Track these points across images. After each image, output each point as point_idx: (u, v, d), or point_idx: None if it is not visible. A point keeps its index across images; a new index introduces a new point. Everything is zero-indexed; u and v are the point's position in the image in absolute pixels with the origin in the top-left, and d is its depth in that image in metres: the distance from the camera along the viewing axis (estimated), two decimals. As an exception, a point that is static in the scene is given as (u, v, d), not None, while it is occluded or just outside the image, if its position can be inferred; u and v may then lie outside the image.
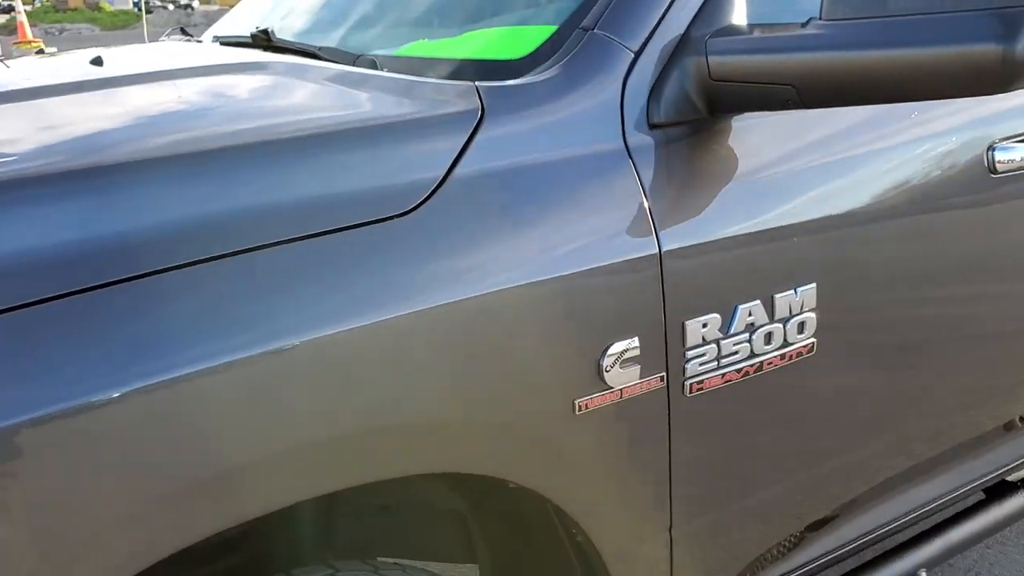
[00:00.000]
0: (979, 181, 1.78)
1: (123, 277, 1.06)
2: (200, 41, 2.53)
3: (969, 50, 1.23)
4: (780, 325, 1.54)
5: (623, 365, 1.38)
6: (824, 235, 1.58)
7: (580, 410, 1.35)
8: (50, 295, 1.03)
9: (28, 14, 19.16)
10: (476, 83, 1.43)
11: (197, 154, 1.24)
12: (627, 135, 1.43)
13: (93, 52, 2.06)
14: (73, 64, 2.13)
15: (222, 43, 2.29)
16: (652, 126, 1.46)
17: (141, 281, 1.07)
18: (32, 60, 2.51)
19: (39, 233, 1.09)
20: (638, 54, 1.47)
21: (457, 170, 1.31)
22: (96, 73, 1.80)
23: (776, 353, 1.55)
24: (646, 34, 1.48)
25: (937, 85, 1.26)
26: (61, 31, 36.60)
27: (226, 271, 1.11)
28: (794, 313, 1.55)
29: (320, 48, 1.88)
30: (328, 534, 1.55)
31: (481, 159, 1.33)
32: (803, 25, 1.39)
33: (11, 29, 22.96)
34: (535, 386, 1.33)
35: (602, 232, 1.37)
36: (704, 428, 1.52)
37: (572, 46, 1.49)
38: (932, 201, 1.72)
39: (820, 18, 1.37)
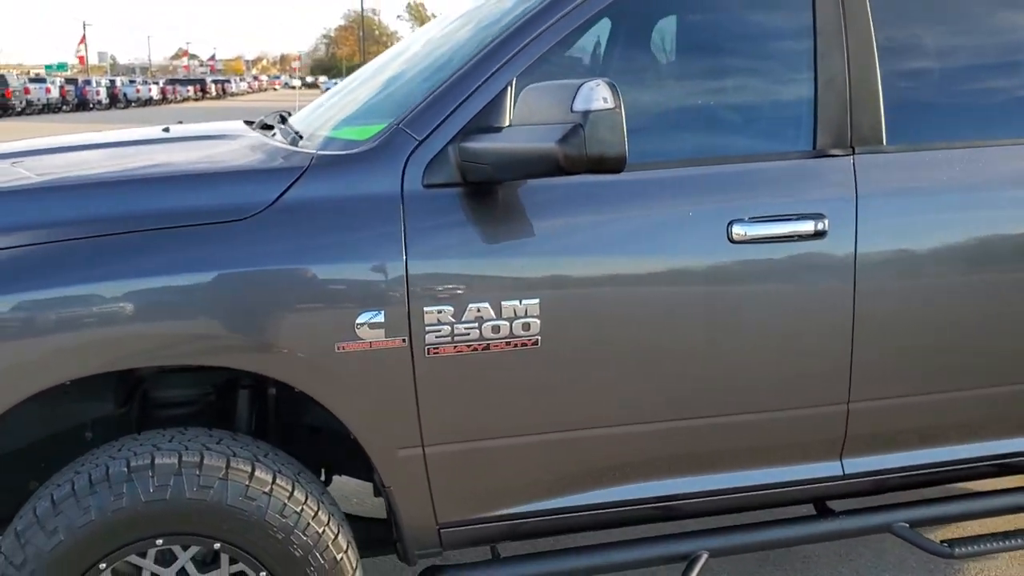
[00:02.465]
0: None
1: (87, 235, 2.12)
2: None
3: (546, 147, 2.03)
4: (507, 322, 2.34)
5: (371, 328, 2.25)
6: (545, 261, 2.36)
7: (339, 350, 2.25)
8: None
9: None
10: (316, 151, 2.39)
11: (141, 179, 2.30)
12: (404, 188, 2.32)
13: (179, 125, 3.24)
14: (152, 129, 3.30)
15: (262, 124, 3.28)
16: (425, 185, 2.33)
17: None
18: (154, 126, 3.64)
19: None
20: (421, 142, 2.35)
21: (286, 195, 2.27)
22: (151, 135, 2.96)
23: (502, 340, 2.34)
24: (428, 131, 2.36)
25: (534, 168, 2.07)
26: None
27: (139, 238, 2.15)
28: (519, 316, 2.34)
29: (297, 130, 2.88)
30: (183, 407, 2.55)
31: (300, 192, 2.28)
32: (499, 129, 2.23)
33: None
34: (313, 331, 2.24)
35: (371, 242, 2.27)
36: (443, 379, 2.34)
37: (384, 134, 2.40)
38: (626, 245, 2.43)
39: (510, 124, 2.20)
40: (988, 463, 2.87)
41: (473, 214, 2.35)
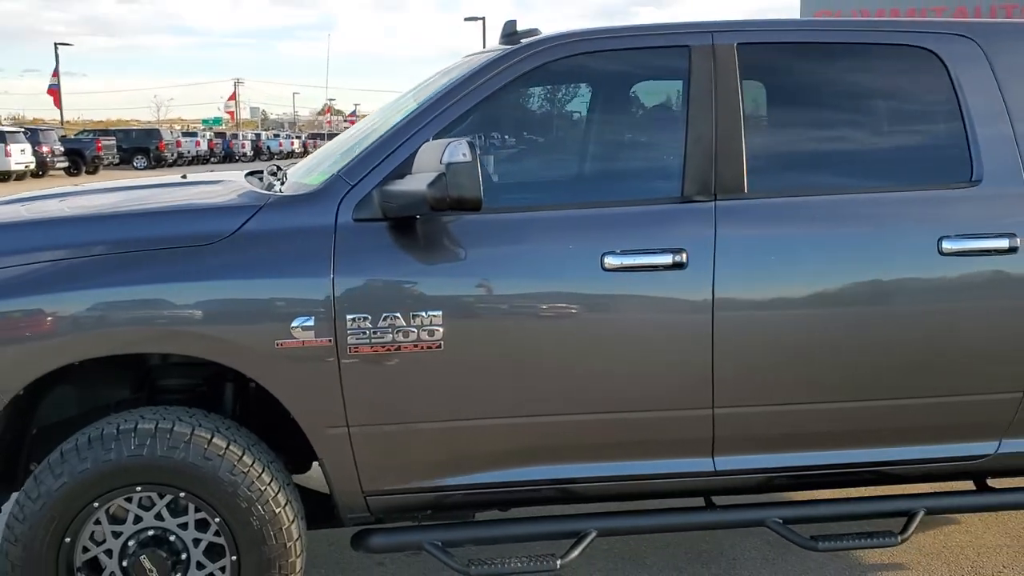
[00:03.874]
0: None
1: (85, 255, 2.87)
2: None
3: (421, 190, 2.68)
4: (415, 329, 2.96)
5: (304, 330, 2.92)
6: (449, 281, 2.98)
7: (279, 347, 2.91)
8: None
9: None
10: (274, 193, 3.09)
11: (141, 212, 3.04)
12: (337, 222, 2.98)
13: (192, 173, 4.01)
14: (173, 177, 4.07)
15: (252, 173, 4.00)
16: (354, 220, 3.00)
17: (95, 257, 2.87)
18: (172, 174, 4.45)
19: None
20: (353, 187, 3.02)
21: (244, 226, 2.97)
22: (169, 180, 3.73)
23: (411, 343, 2.96)
24: (359, 179, 3.03)
25: (415, 206, 2.72)
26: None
27: (130, 257, 2.88)
28: (425, 324, 2.97)
29: (283, 177, 3.59)
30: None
31: (256, 224, 2.98)
32: (403, 176, 2.88)
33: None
34: (259, 330, 2.92)
35: (307, 262, 2.94)
36: (362, 372, 2.97)
37: (327, 181, 3.08)
38: (516, 269, 3.02)
39: (411, 173, 2.85)
40: (852, 470, 3.31)
41: (391, 243, 3.00)
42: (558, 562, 3.16)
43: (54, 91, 45.87)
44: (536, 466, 3.18)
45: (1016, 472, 3.46)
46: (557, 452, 3.18)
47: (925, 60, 3.29)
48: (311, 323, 2.92)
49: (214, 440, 2.93)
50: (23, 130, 33.28)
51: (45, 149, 33.21)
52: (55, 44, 43.45)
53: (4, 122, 78.18)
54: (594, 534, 3.25)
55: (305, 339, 2.92)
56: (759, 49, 3.28)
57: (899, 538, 3.30)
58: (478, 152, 2.71)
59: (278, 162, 3.99)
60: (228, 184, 3.61)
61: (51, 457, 2.92)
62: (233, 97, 67.86)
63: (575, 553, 3.20)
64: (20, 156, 30.55)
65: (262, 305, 2.94)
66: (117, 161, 38.87)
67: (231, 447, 2.95)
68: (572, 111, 3.51)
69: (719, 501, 3.49)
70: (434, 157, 2.78)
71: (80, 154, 36.06)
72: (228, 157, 53.13)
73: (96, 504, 2.91)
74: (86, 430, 2.96)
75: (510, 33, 3.40)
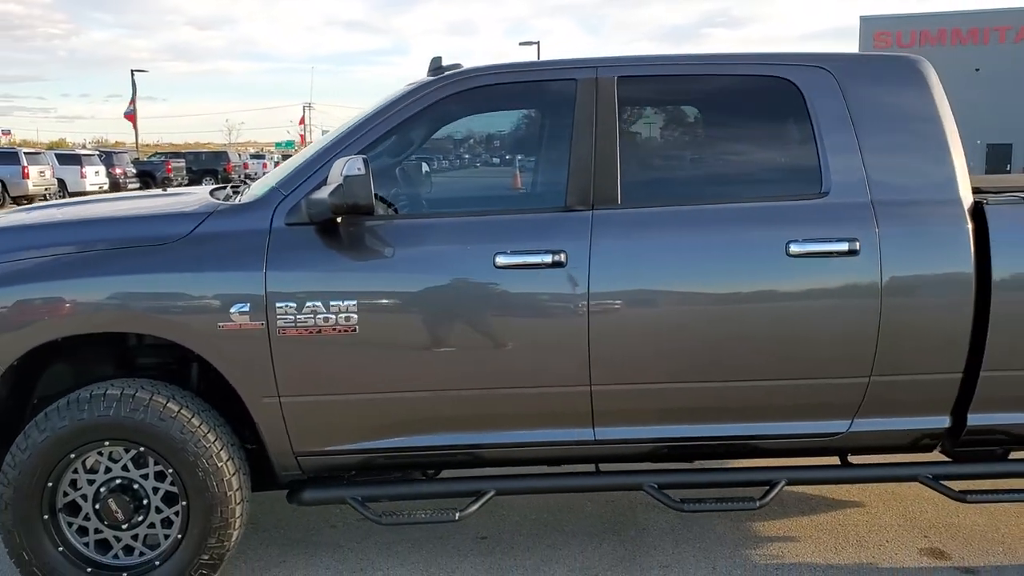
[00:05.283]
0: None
1: (65, 253, 3.54)
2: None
3: (325, 198, 3.30)
4: (334, 315, 3.57)
5: (240, 314, 3.54)
6: (363, 275, 3.58)
7: (220, 328, 3.55)
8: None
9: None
10: (224, 202, 3.74)
11: (115, 217, 3.71)
12: (272, 226, 3.61)
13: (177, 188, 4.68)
14: (158, 191, 4.76)
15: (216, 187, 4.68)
16: (286, 224, 3.62)
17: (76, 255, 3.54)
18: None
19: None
20: (286, 196, 3.65)
21: (196, 230, 3.62)
22: (153, 194, 4.39)
23: (330, 327, 3.57)
24: (292, 189, 3.66)
25: (322, 212, 3.34)
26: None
27: (105, 254, 3.55)
28: (342, 311, 3.57)
29: (245, 190, 4.23)
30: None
31: (205, 228, 3.62)
32: (320, 187, 3.50)
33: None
34: (205, 314, 3.55)
35: (244, 259, 3.56)
36: (293, 349, 3.57)
37: (267, 191, 3.72)
38: (419, 266, 3.61)
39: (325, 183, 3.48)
40: (722, 442, 3.81)
41: (316, 243, 3.61)
42: (457, 514, 3.73)
43: (131, 116, 47.75)
44: (445, 433, 3.75)
45: (869, 449, 3.93)
46: (461, 422, 3.74)
47: (785, 88, 3.81)
48: (247, 309, 3.54)
49: (168, 405, 3.56)
50: (98, 153, 34.91)
51: (118, 171, 34.80)
52: (132, 71, 45.25)
53: (88, 145, 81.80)
54: (492, 493, 3.81)
55: (242, 322, 3.55)
56: (637, 81, 3.83)
57: (757, 503, 3.80)
58: (370, 167, 3.32)
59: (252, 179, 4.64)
60: (194, 196, 4.27)
61: (38, 417, 3.58)
62: (303, 121, 69.79)
63: (474, 508, 3.76)
64: (95, 178, 32.07)
65: (208, 293, 3.57)
66: (187, 182, 40.40)
67: (183, 411, 3.58)
68: (476, 134, 4.11)
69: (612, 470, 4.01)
70: (338, 171, 3.40)
71: (151, 175, 37.67)
72: (294, 178, 54.43)
73: (73, 455, 3.56)
74: (67, 395, 3.61)
75: (436, 68, 4.01)
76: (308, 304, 3.56)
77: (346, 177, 3.32)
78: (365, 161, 3.33)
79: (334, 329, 3.57)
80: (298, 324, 3.56)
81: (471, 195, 3.95)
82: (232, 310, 3.54)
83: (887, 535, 4.39)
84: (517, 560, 4.15)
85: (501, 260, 3.61)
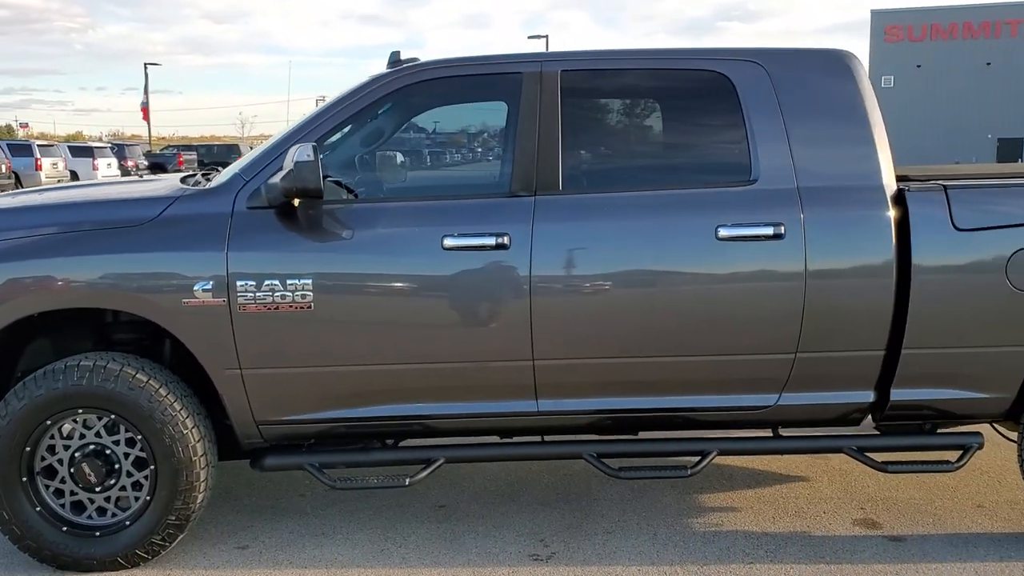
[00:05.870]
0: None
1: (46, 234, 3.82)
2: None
3: (278, 182, 3.56)
4: (290, 293, 3.83)
5: (204, 291, 3.81)
6: (316, 256, 3.84)
7: (185, 304, 3.81)
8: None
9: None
10: (191, 187, 4.00)
11: (88, 202, 3.99)
12: (234, 209, 3.88)
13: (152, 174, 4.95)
14: (135, 177, 5.06)
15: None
16: (247, 208, 3.88)
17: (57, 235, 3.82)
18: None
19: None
20: (247, 182, 3.92)
21: (163, 213, 3.88)
22: (131, 180, 4.64)
23: (287, 304, 3.83)
24: (253, 175, 3.92)
25: (277, 196, 3.61)
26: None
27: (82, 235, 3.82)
28: (298, 289, 3.83)
29: (217, 174, 4.50)
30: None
31: (172, 211, 3.89)
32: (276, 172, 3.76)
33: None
34: (171, 290, 3.82)
35: (207, 240, 3.83)
36: (252, 325, 3.83)
37: (230, 177, 3.98)
38: (371, 247, 3.87)
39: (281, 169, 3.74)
40: (659, 414, 4.05)
41: (275, 225, 3.86)
42: (407, 480, 3.99)
43: (145, 109, 48.26)
44: (397, 405, 4.00)
45: (797, 422, 4.16)
46: (413, 394, 3.99)
47: (719, 82, 4.04)
48: (209, 287, 3.80)
49: (137, 376, 3.83)
50: (110, 145, 35.35)
51: (130, 163, 35.27)
52: (144, 64, 45.76)
53: (105, 138, 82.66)
54: (441, 460, 4.07)
55: (205, 299, 3.81)
56: (579, 75, 4.07)
57: (689, 471, 4.05)
58: (319, 154, 3.58)
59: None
60: (165, 182, 4.54)
61: (17, 386, 3.86)
62: (315, 113, 70.47)
63: (423, 474, 4.02)
64: (107, 170, 32.52)
65: (173, 272, 3.83)
66: (198, 175, 40.78)
67: (151, 382, 3.84)
68: (427, 124, 4.36)
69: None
70: (290, 158, 3.65)
71: (163, 168, 38.03)
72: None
73: (49, 422, 3.83)
74: (45, 367, 3.89)
75: (394, 62, 4.26)
76: (266, 283, 3.81)
77: (296, 163, 3.58)
78: (314, 148, 3.58)
79: (291, 306, 3.82)
80: (257, 301, 3.81)
81: (422, 181, 4.21)
82: (196, 288, 3.80)
83: (825, 507, 4.62)
84: (470, 526, 4.41)
85: (448, 242, 3.85)
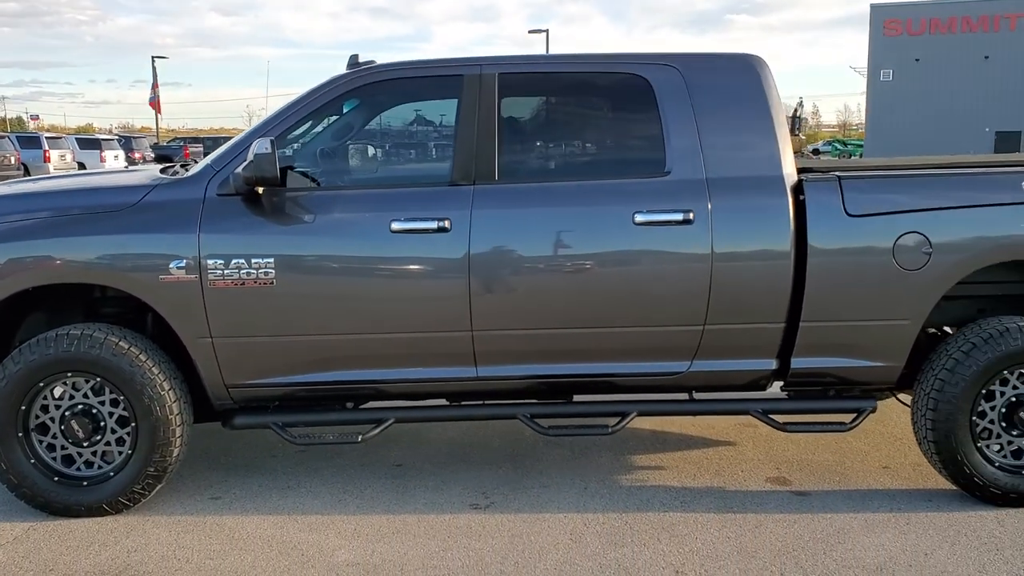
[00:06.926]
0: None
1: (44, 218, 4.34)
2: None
3: (240, 172, 4.08)
4: (255, 270, 4.33)
5: (178, 269, 4.32)
6: (278, 238, 4.34)
7: (162, 280, 4.32)
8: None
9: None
10: (169, 176, 4.52)
11: (79, 188, 4.51)
12: (205, 196, 4.38)
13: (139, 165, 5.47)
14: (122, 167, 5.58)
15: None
16: (218, 195, 4.39)
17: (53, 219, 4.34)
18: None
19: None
20: (217, 172, 4.42)
21: (143, 199, 4.40)
22: (118, 169, 5.16)
23: (252, 280, 4.33)
24: (223, 166, 4.43)
25: (241, 184, 4.13)
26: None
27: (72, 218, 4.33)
28: (262, 268, 4.33)
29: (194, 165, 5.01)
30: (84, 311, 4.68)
31: (151, 198, 4.40)
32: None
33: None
34: (149, 268, 4.33)
35: (181, 223, 4.33)
36: (221, 299, 4.33)
37: (203, 168, 4.49)
38: (325, 230, 4.37)
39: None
40: (585, 379, 4.54)
41: (242, 211, 4.36)
42: (360, 437, 4.50)
43: (154, 103, 48.86)
44: (352, 371, 4.50)
45: (708, 387, 4.66)
46: (365, 361, 4.50)
47: (639, 83, 4.53)
48: (183, 265, 4.31)
49: (120, 343, 4.34)
50: (117, 138, 35.96)
51: (137, 155, 35.87)
52: (152, 57, 46.31)
53: (114, 131, 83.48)
54: (391, 420, 4.57)
55: (179, 276, 4.32)
56: (515, 77, 4.57)
57: (610, 429, 4.55)
58: (276, 147, 4.09)
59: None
60: (146, 172, 5.05)
61: (14, 352, 4.37)
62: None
63: (375, 432, 4.53)
64: (114, 162, 33.14)
65: (151, 251, 4.33)
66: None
67: (132, 348, 4.35)
68: (378, 120, 4.87)
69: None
70: (253, 149, 4.15)
71: (169, 160, 38.64)
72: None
73: (42, 384, 4.35)
74: (38, 336, 4.40)
75: (353, 64, 4.76)
76: (234, 261, 4.31)
77: (256, 155, 4.09)
78: (272, 142, 4.09)
79: (255, 282, 4.33)
80: (226, 278, 4.32)
81: (375, 172, 4.72)
82: (171, 265, 4.31)
83: (744, 467, 5.11)
84: (421, 481, 4.92)
85: (396, 226, 4.35)
